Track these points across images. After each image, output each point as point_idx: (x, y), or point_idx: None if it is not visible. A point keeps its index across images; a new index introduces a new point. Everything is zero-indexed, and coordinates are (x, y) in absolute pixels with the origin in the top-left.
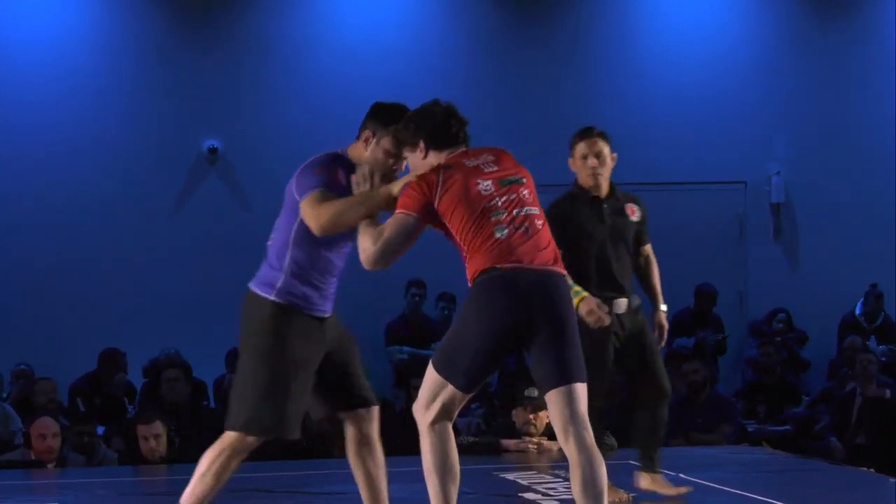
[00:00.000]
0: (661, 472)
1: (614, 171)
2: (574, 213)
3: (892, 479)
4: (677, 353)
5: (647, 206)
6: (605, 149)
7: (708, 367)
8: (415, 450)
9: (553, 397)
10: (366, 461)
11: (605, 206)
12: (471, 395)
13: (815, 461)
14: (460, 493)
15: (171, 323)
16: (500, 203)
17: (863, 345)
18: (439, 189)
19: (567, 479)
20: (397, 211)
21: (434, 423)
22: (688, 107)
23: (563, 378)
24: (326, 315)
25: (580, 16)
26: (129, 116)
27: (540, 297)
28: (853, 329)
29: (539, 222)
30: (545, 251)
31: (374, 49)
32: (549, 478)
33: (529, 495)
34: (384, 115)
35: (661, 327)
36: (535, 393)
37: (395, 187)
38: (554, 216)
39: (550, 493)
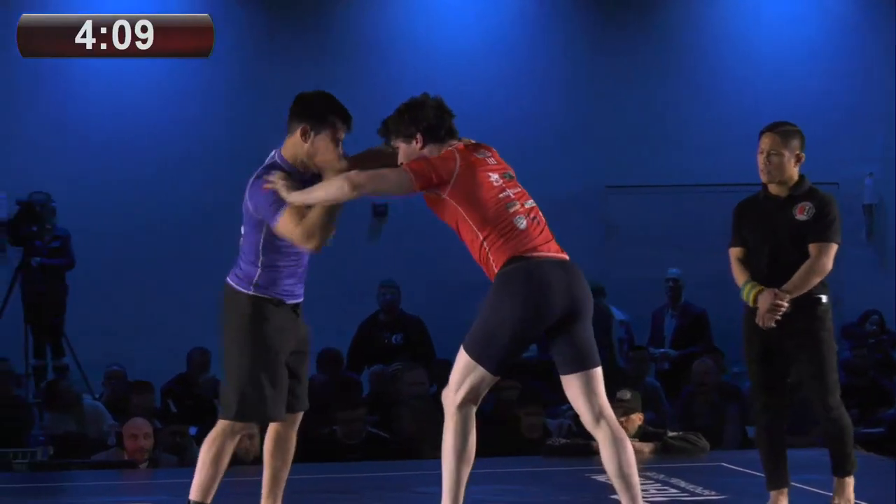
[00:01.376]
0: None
1: (707, 171)
2: (747, 210)
3: None
4: None
5: (830, 205)
6: (778, 146)
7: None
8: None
9: (575, 381)
10: (275, 457)
11: (775, 204)
12: (497, 379)
13: None
14: (555, 498)
15: None
16: (511, 195)
17: None
18: (455, 176)
19: (658, 482)
20: (407, 166)
21: (461, 405)
22: (780, 108)
23: (584, 363)
24: (299, 300)
25: (670, 18)
26: (220, 120)
27: (565, 284)
28: None
29: (540, 214)
30: (553, 240)
31: (466, 49)
32: (640, 480)
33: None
34: (316, 107)
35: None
36: (628, 395)
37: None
38: (733, 212)
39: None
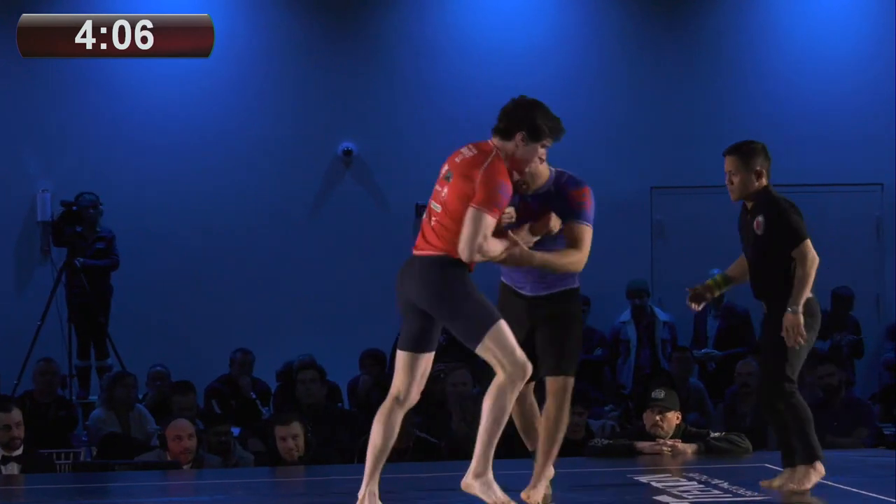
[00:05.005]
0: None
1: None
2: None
3: None
4: (812, 356)
5: (782, 213)
6: (737, 166)
7: (844, 371)
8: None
9: (404, 357)
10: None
11: (746, 217)
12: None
13: None
14: (597, 499)
15: (307, 325)
16: (436, 190)
17: None
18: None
19: (701, 482)
20: None
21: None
22: (824, 108)
23: (426, 346)
24: (526, 294)
25: (717, 20)
26: (265, 121)
27: (403, 278)
28: None
29: (434, 219)
30: (427, 238)
31: (509, 51)
32: (682, 481)
33: (663, 498)
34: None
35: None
36: (662, 394)
37: None
38: None
39: (684, 495)
